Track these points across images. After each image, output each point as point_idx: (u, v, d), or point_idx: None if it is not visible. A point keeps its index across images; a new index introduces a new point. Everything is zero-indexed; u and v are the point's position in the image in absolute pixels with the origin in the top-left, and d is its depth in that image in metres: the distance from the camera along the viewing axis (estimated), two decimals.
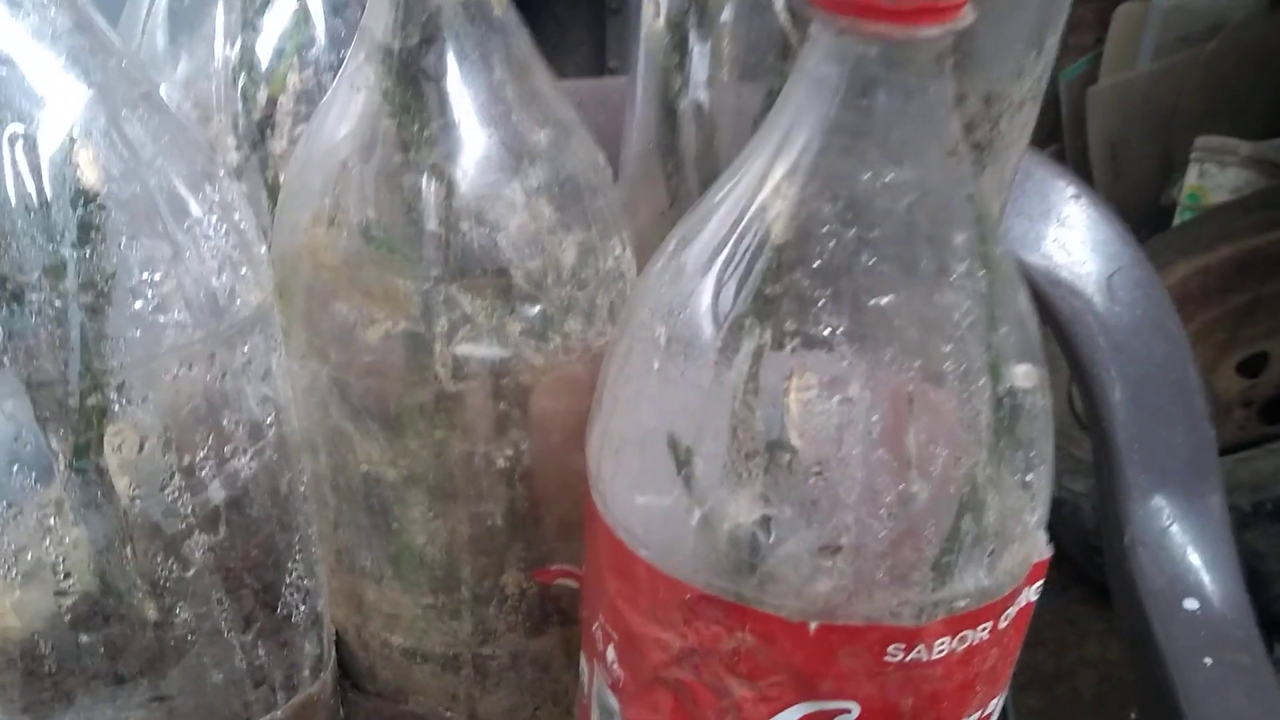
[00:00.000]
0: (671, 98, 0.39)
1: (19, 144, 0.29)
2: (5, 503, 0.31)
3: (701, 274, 0.28)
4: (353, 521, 0.38)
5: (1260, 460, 0.97)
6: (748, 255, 0.27)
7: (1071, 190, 0.55)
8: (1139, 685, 0.47)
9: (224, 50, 0.44)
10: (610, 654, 0.33)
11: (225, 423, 0.33)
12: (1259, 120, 1.23)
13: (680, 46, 0.37)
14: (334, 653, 0.40)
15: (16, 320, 0.29)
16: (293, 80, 0.46)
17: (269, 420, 0.34)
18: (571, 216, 0.35)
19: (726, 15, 0.36)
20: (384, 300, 0.34)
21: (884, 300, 0.27)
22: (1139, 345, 0.51)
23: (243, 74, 0.44)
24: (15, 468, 0.30)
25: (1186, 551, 0.48)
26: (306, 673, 0.38)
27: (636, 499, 0.30)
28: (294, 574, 0.36)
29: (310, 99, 0.46)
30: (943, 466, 0.27)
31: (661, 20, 0.37)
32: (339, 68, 0.45)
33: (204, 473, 0.33)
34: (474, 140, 0.33)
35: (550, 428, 0.36)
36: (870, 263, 0.27)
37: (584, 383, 0.36)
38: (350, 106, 0.34)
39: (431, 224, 0.33)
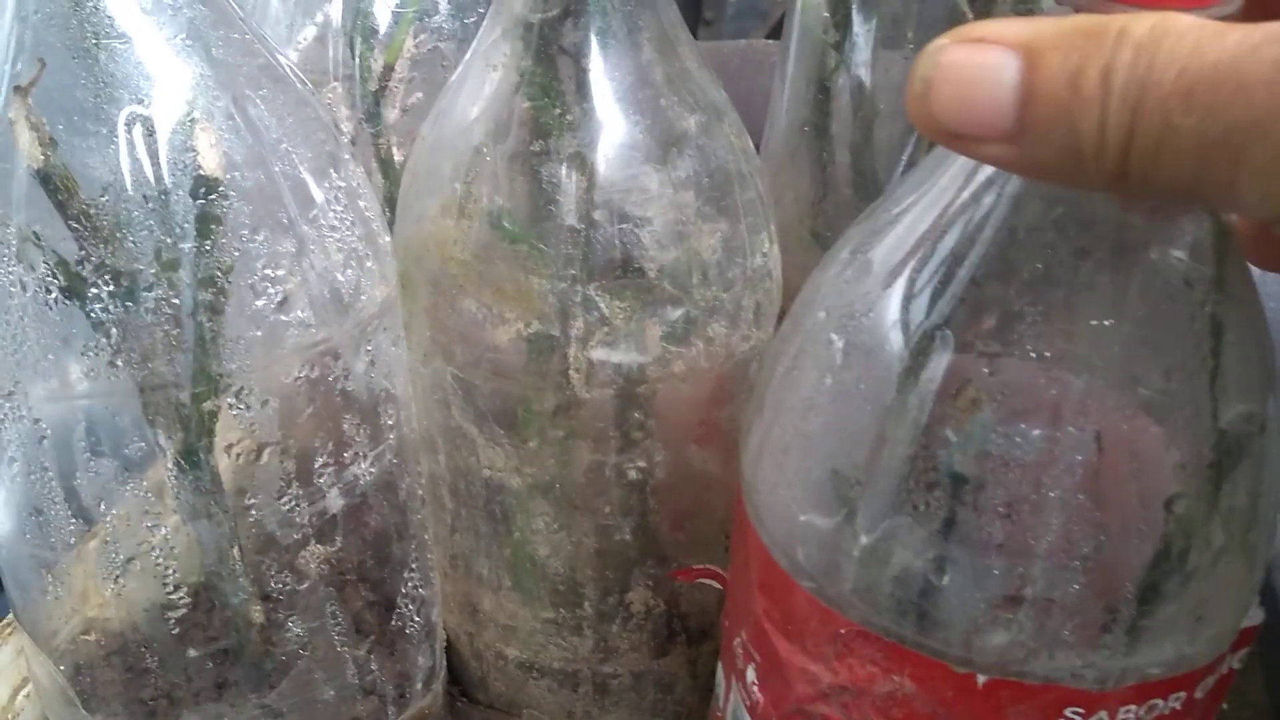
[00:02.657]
0: (826, 76, 0.35)
1: (136, 127, 0.26)
2: (101, 494, 0.29)
3: (891, 278, 0.25)
4: (471, 527, 0.36)
5: None
6: (947, 260, 0.24)
7: None
8: None
9: (343, 13, 0.42)
10: (751, 675, 0.30)
11: (346, 427, 0.31)
12: None
13: (843, 23, 0.34)
14: (445, 662, 0.38)
15: (130, 319, 0.27)
16: (408, 45, 0.43)
17: (390, 422, 0.32)
18: (720, 210, 0.32)
19: None
20: (516, 299, 0.31)
21: (1100, 321, 0.23)
22: None
23: (359, 39, 0.42)
24: (115, 459, 0.29)
25: None
26: (419, 685, 0.36)
27: (795, 517, 0.27)
28: (410, 583, 0.34)
29: (427, 65, 0.43)
30: (1150, 516, 0.24)
31: None
32: (462, 35, 0.42)
33: (322, 480, 0.30)
34: (618, 127, 0.31)
35: (687, 439, 0.33)
36: (1088, 277, 0.23)
37: (726, 390, 0.33)
38: (484, 86, 0.31)
39: (570, 218, 0.30)
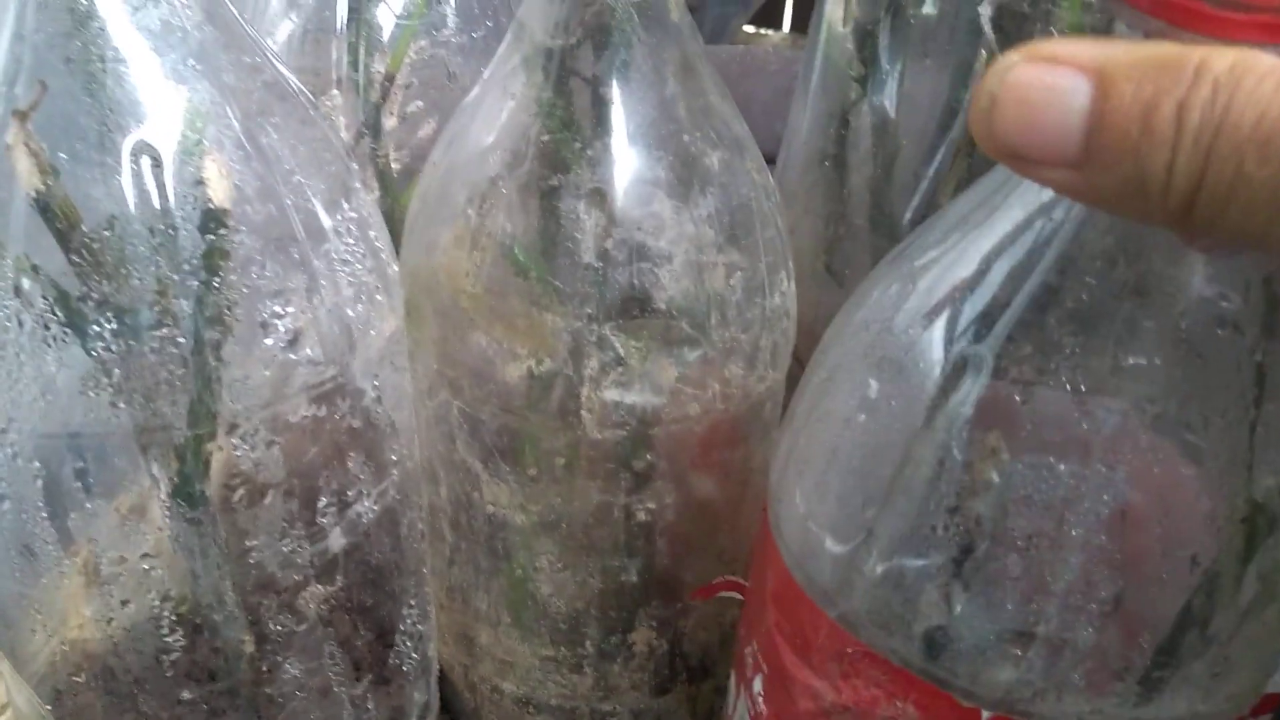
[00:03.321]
0: (849, 109, 0.34)
1: (143, 156, 0.25)
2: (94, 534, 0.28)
3: (932, 297, 0.24)
4: (471, 561, 0.35)
5: None
6: (991, 284, 0.23)
7: None
8: None
9: (346, 19, 0.40)
10: (758, 685, 0.29)
11: (351, 464, 0.30)
12: None
13: (869, 58, 0.33)
14: (439, 695, 0.37)
15: (133, 358, 0.25)
16: (410, 51, 0.42)
17: (395, 457, 0.31)
18: (740, 249, 0.31)
19: (924, 26, 0.32)
20: (528, 335, 0.30)
21: (1142, 358, 0.22)
22: None
23: (362, 48, 0.41)
24: (110, 499, 0.27)
25: None
26: None
27: (811, 531, 0.26)
28: (409, 620, 0.33)
29: (427, 72, 0.42)
30: (1174, 565, 0.23)
31: (848, 27, 0.33)
32: (469, 48, 0.41)
33: (325, 519, 0.29)
34: (639, 162, 0.30)
35: (700, 482, 0.32)
36: (1134, 311, 0.22)
37: (740, 432, 0.33)
38: (500, 114, 0.30)
39: (587, 255, 0.30)
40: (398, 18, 0.40)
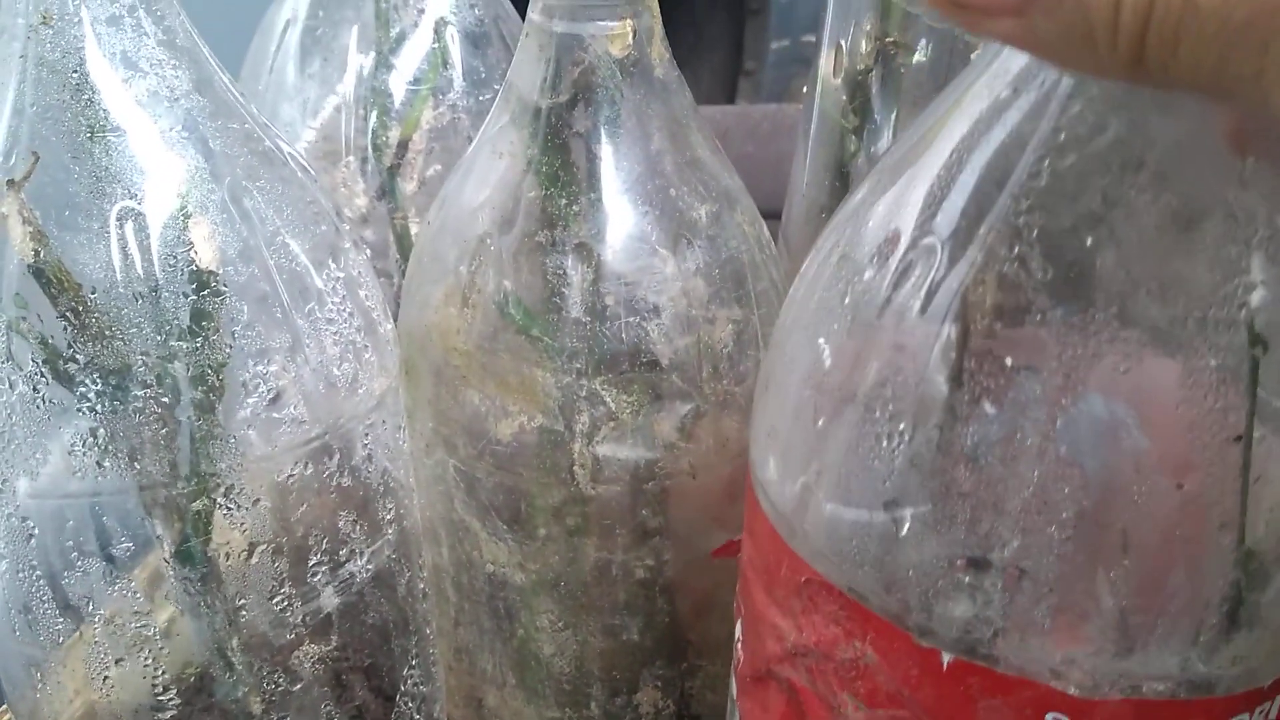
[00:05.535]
0: (845, 161, 0.34)
1: (129, 222, 0.26)
2: (89, 593, 0.28)
3: (888, 204, 0.22)
4: (474, 622, 0.35)
5: None
6: (946, 177, 0.21)
7: None
8: None
9: (357, 87, 0.41)
10: (738, 630, 0.27)
11: (342, 523, 0.30)
12: None
13: (861, 109, 0.33)
14: None
15: (120, 418, 0.26)
16: (427, 116, 0.42)
17: (389, 516, 0.31)
18: (732, 302, 0.31)
19: (915, 74, 0.32)
20: (520, 391, 0.30)
21: (1111, 250, 0.20)
22: None
23: (374, 114, 0.42)
24: (103, 559, 0.28)
25: None
26: None
27: (772, 448, 0.24)
28: (410, 680, 0.33)
29: (445, 136, 0.43)
30: (1153, 486, 0.19)
31: (840, 78, 0.33)
32: (478, 110, 0.42)
33: (317, 578, 0.29)
34: (628, 218, 0.30)
35: (698, 538, 0.32)
36: (1107, 193, 0.20)
37: (738, 486, 0.32)
38: (491, 173, 0.31)
39: (576, 310, 0.30)
40: (409, 84, 0.41)
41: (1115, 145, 0.20)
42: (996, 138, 0.21)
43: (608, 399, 0.30)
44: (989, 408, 0.20)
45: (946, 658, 0.21)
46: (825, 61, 0.33)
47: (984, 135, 0.21)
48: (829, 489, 0.23)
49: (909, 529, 0.21)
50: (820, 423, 0.23)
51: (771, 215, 0.34)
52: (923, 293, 0.21)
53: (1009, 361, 0.20)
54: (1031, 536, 0.20)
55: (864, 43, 0.33)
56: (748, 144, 0.57)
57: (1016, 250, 0.20)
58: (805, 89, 0.35)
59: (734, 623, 0.33)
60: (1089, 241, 0.19)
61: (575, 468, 0.30)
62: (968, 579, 0.21)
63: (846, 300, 0.23)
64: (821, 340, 0.23)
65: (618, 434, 0.30)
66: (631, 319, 0.30)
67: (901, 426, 0.21)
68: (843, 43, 0.33)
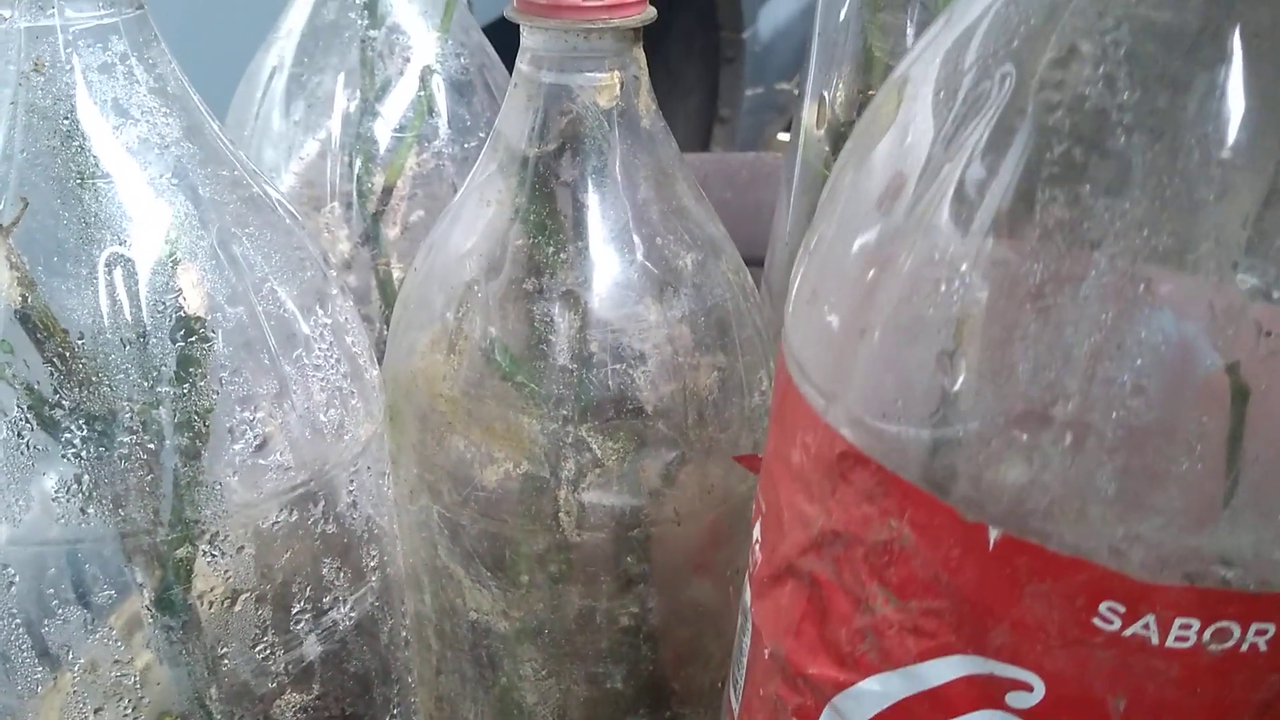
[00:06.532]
0: None
1: (117, 268, 0.26)
2: (69, 641, 0.28)
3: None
4: (457, 670, 0.34)
5: None
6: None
7: None
8: None
9: (342, 133, 0.41)
10: (756, 532, 0.25)
11: (325, 570, 0.29)
12: None
13: None
14: None
15: (104, 464, 0.26)
16: (411, 163, 0.43)
17: (373, 563, 0.31)
18: (716, 349, 0.31)
19: None
20: (505, 438, 0.30)
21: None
22: None
23: (359, 160, 0.42)
24: (83, 607, 0.27)
25: None
26: None
27: (814, 312, 0.22)
28: None
29: (428, 183, 0.43)
30: (1247, 329, 0.17)
31: (823, 129, 0.33)
32: (462, 157, 0.42)
33: (299, 626, 0.29)
34: (614, 266, 0.30)
35: (683, 585, 0.32)
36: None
37: (723, 533, 0.32)
38: (479, 220, 0.31)
39: (562, 357, 0.30)
40: (394, 131, 0.41)
41: None
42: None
43: (593, 445, 0.30)
44: (1061, 240, 0.18)
45: (994, 534, 0.19)
46: (808, 113, 0.34)
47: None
48: (876, 347, 0.20)
49: (963, 382, 0.19)
50: (871, 274, 0.20)
51: (751, 261, 0.35)
52: (995, 118, 0.19)
53: (1086, 189, 0.18)
54: (1101, 387, 0.18)
55: (846, 94, 0.34)
56: (726, 191, 0.57)
57: (1102, 70, 0.17)
58: (789, 138, 0.35)
59: (721, 666, 0.32)
60: (1182, 64, 0.17)
61: (560, 514, 0.30)
62: (1025, 436, 0.18)
63: (908, 140, 0.20)
64: (877, 178, 0.21)
65: (603, 481, 0.30)
66: (617, 366, 0.30)
67: (964, 267, 0.19)
68: (825, 94, 0.34)
